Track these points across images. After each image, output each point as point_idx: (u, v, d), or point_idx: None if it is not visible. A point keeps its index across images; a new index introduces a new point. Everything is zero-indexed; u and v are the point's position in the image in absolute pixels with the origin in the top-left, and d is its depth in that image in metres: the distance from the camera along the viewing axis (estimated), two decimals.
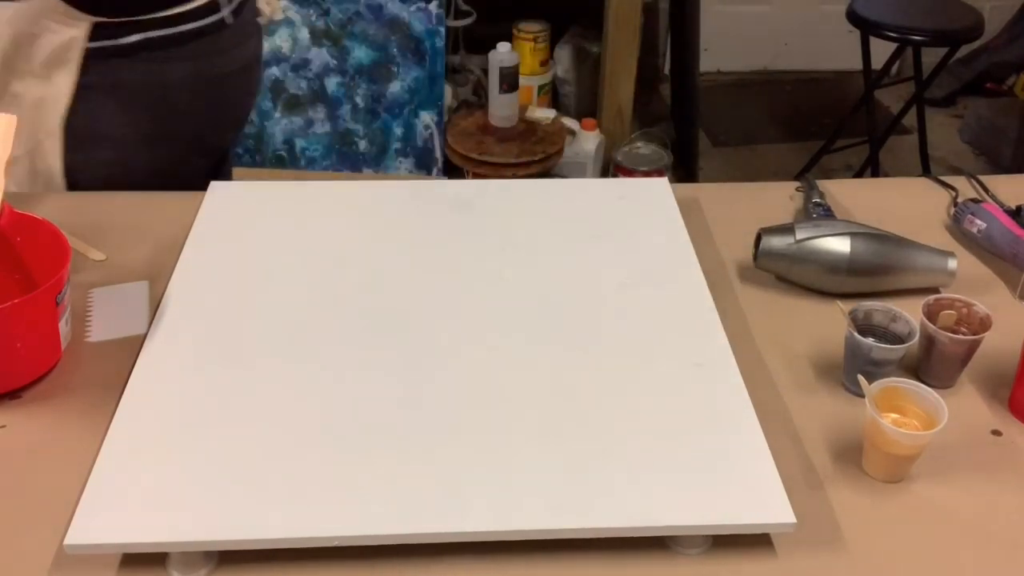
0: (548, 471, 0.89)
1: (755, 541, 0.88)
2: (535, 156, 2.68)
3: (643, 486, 0.87)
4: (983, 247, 1.29)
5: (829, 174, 3.15)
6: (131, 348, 1.05)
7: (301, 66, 2.85)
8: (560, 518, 0.85)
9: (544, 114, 2.89)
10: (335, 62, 2.85)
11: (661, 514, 0.85)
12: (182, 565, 0.84)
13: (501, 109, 2.83)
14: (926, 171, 3.02)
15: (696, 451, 0.91)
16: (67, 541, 0.81)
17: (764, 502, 0.86)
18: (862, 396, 0.95)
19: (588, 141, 2.94)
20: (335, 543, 0.83)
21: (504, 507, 0.85)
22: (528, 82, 3.01)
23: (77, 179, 1.37)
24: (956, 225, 1.33)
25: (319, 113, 2.91)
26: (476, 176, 2.73)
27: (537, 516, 0.85)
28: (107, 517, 0.83)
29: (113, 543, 0.83)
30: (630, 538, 0.87)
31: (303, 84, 2.87)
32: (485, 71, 2.91)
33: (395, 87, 2.85)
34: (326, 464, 0.89)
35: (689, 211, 1.31)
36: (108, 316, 1.13)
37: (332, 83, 2.87)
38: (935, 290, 1.20)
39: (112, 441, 0.91)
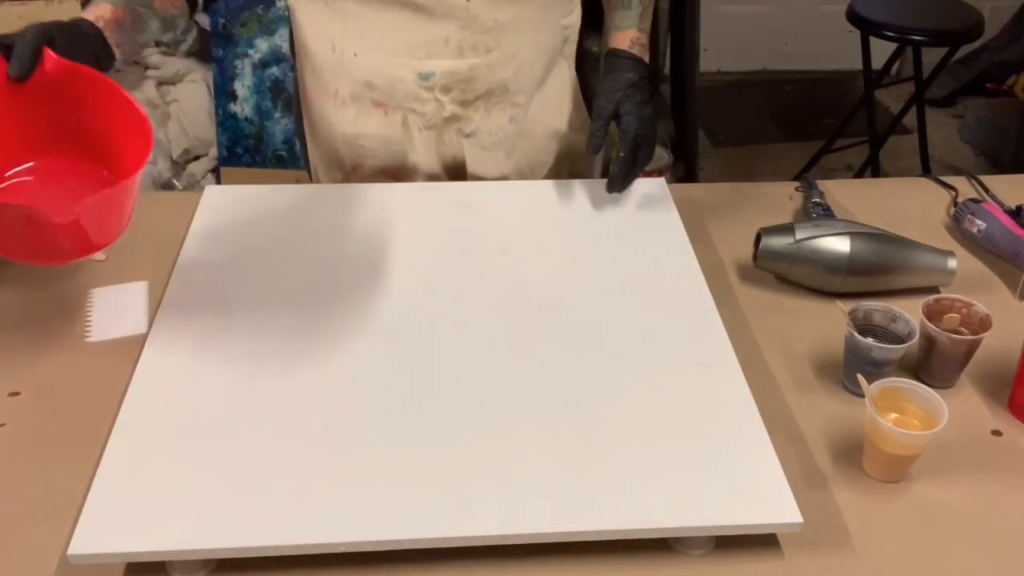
0: (552, 474, 0.88)
1: (759, 541, 0.88)
2: None
3: (649, 488, 0.87)
4: (983, 247, 1.29)
5: (829, 174, 3.15)
6: (131, 348, 1.05)
7: None
8: (565, 521, 0.84)
9: None
10: None
11: (667, 516, 0.85)
12: (183, 569, 0.84)
13: None
14: (926, 171, 3.02)
15: (701, 452, 0.91)
16: (71, 551, 0.81)
17: (770, 502, 0.86)
18: (862, 396, 0.95)
19: None
20: (341, 549, 0.83)
21: (509, 510, 0.85)
22: None
23: None
24: (956, 225, 1.33)
25: None
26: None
27: (542, 519, 0.84)
28: (110, 526, 0.83)
29: (116, 552, 0.82)
30: (635, 540, 0.86)
31: None
32: None
33: None
34: (329, 468, 0.89)
35: (689, 211, 1.31)
36: (108, 316, 1.13)
37: None
38: (935, 290, 1.20)
39: (113, 448, 0.90)
